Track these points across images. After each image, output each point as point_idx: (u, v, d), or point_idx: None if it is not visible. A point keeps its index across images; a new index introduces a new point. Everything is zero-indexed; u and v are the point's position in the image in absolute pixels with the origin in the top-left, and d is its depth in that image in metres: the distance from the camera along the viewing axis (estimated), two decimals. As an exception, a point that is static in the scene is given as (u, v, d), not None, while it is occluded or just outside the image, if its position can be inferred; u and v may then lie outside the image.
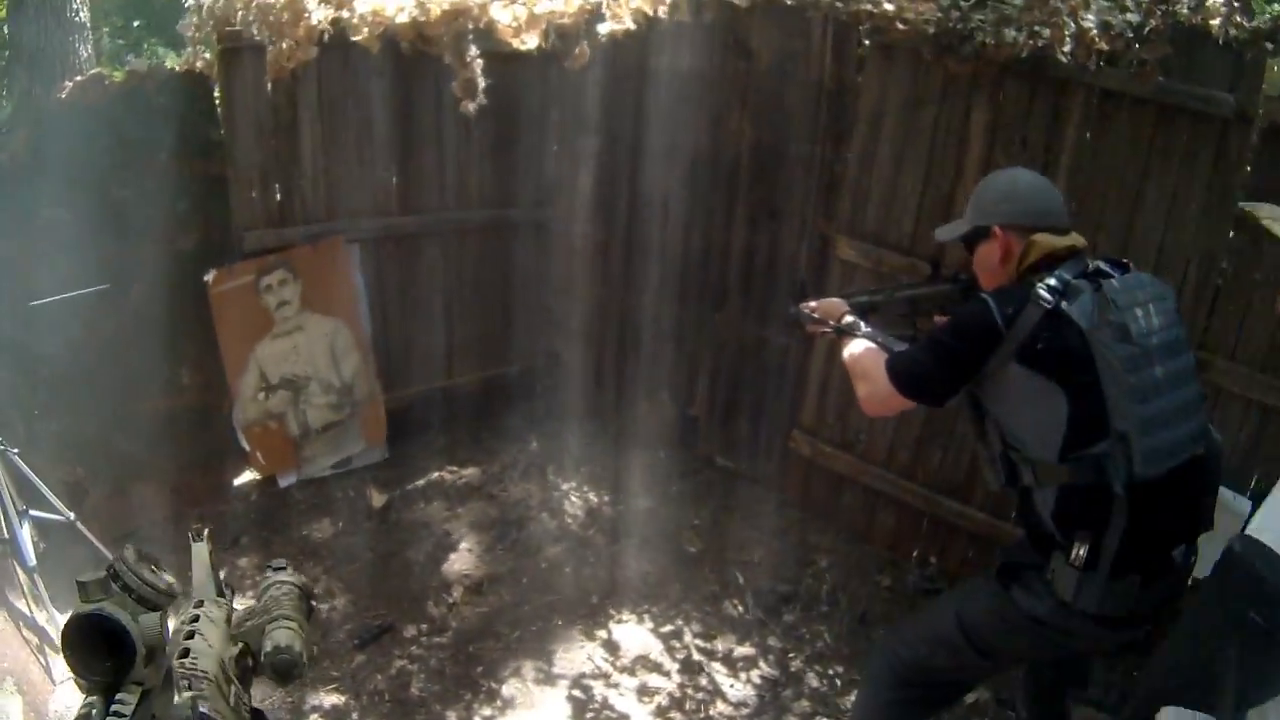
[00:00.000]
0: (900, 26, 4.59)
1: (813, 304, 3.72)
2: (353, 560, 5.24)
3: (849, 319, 3.59)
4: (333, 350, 5.64)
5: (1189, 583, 3.25)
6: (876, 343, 3.43)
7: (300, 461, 5.66)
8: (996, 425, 3.14)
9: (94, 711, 1.36)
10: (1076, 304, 2.88)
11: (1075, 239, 3.14)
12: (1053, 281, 2.93)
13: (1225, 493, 4.21)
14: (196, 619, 1.81)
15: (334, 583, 5.07)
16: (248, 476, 5.60)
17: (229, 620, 1.91)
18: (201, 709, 1.53)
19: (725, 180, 5.78)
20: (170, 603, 1.48)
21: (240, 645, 1.86)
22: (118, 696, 1.36)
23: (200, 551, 2.03)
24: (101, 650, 1.37)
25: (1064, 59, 4.29)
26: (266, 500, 5.57)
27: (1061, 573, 2.97)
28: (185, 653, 1.67)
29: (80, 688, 1.41)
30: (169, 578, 1.51)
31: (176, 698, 1.48)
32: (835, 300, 3.70)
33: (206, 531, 2.10)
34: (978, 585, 3.37)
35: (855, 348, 3.47)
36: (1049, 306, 2.89)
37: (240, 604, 2.09)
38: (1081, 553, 2.91)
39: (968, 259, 3.34)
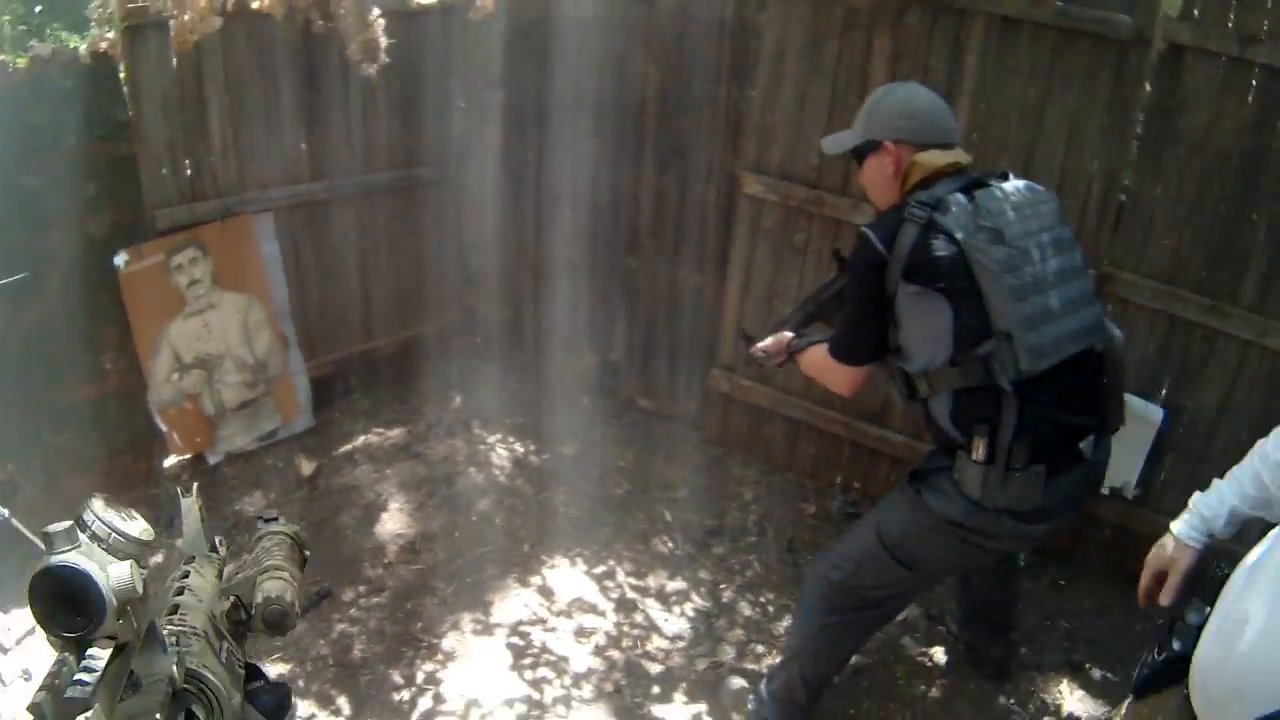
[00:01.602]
0: None
1: (762, 345, 3.82)
2: (286, 529, 5.28)
3: (795, 340, 3.72)
4: (245, 327, 5.64)
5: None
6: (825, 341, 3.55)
7: (217, 440, 5.66)
8: (895, 344, 3.27)
9: (64, 669, 1.28)
10: (950, 215, 3.00)
11: (959, 155, 3.26)
12: (923, 197, 3.06)
13: (1136, 401, 4.39)
14: (186, 575, 1.79)
15: (269, 553, 5.11)
16: (175, 457, 5.61)
17: (220, 575, 1.89)
18: (189, 665, 1.50)
19: (632, 125, 5.83)
20: (143, 551, 1.40)
21: (231, 599, 1.85)
22: (89, 652, 1.27)
23: (190, 506, 1.97)
24: (69, 605, 1.28)
25: None
26: (197, 479, 5.54)
27: (965, 470, 3.09)
28: (174, 609, 1.66)
29: (51, 645, 1.32)
30: (142, 524, 1.42)
31: (161, 655, 1.43)
32: (779, 335, 3.80)
33: (195, 486, 2.04)
34: (893, 498, 3.51)
35: (806, 357, 3.63)
36: (922, 221, 3.01)
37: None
38: (981, 449, 3.04)
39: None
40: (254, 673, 1.86)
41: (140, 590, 1.34)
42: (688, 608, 4.90)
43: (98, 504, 1.39)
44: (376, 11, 4.99)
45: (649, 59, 5.65)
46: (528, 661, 4.56)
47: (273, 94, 5.48)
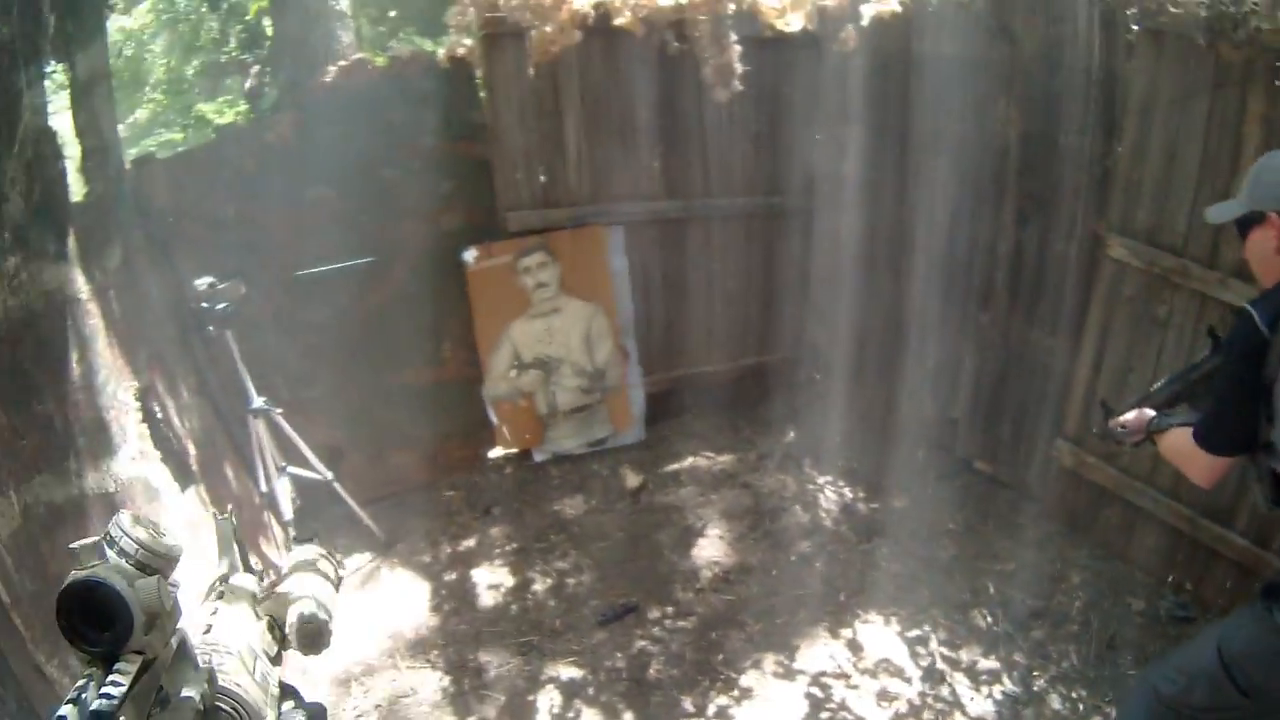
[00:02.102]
0: (1171, 10, 4.37)
1: (1122, 419, 3.58)
2: (603, 538, 5.39)
3: (1156, 419, 3.47)
4: (588, 335, 5.78)
5: None
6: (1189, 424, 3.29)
7: (545, 440, 5.84)
8: (1266, 439, 2.99)
9: (90, 683, 1.26)
10: None
11: None
12: None
13: None
14: (220, 595, 1.79)
15: (583, 559, 5.23)
16: (502, 450, 5.77)
17: (255, 596, 1.87)
18: (222, 683, 1.49)
19: (992, 171, 5.62)
20: (172, 567, 1.39)
21: (267, 619, 1.84)
22: (116, 666, 1.27)
23: (224, 528, 1.94)
24: (96, 619, 1.28)
25: None
26: (520, 473, 5.76)
27: None
28: (208, 629, 1.65)
29: (80, 661, 1.31)
30: (170, 540, 1.40)
31: (193, 671, 1.41)
32: (1141, 411, 3.55)
33: (230, 508, 2.06)
34: (1242, 614, 3.22)
35: (1169, 438, 3.36)
36: None
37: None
38: None
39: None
40: (290, 694, 1.81)
41: (167, 605, 1.33)
42: (996, 690, 4.68)
43: (125, 519, 1.36)
44: (734, 37, 4.99)
45: (1012, 103, 5.43)
46: (824, 716, 4.48)
47: (628, 110, 5.62)
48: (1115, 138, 5.06)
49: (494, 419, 5.65)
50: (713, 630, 4.87)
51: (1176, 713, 3.32)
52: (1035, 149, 5.40)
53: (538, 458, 5.85)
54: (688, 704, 4.47)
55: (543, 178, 5.48)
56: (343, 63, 5.24)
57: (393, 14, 10.78)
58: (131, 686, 1.25)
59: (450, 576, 5.10)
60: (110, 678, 1.25)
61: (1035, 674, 4.76)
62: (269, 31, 8.88)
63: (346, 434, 5.40)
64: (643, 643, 4.77)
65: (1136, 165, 4.93)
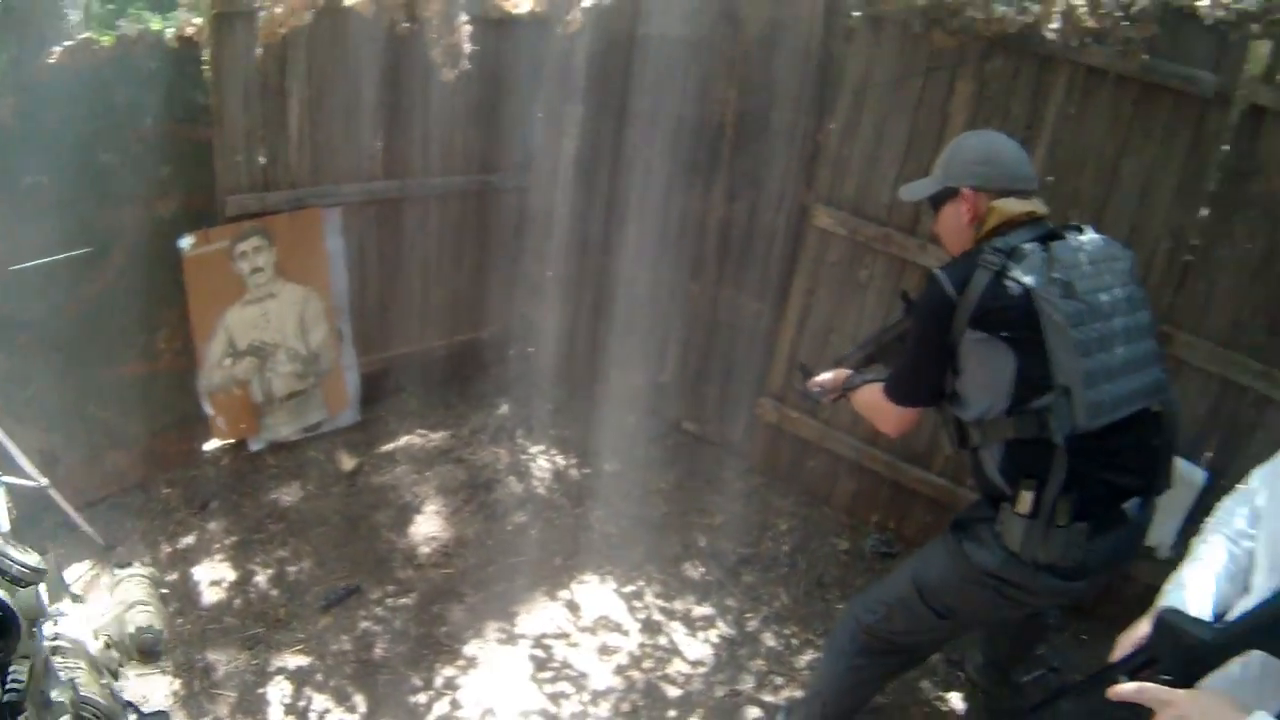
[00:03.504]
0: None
1: (819, 379, 3.83)
2: (321, 523, 5.32)
3: (852, 377, 3.71)
4: (302, 319, 5.70)
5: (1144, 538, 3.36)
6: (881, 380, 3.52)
7: (261, 428, 5.72)
8: (952, 390, 3.24)
9: None
10: (1023, 264, 2.97)
11: (1035, 205, 3.23)
12: (998, 244, 3.04)
13: (1181, 463, 4.33)
14: (56, 621, 1.87)
15: (303, 545, 5.15)
16: (218, 441, 5.67)
17: (87, 619, 1.97)
18: (81, 693, 1.60)
19: (708, 149, 5.83)
20: (41, 579, 1.54)
21: (104, 638, 1.92)
22: (11, 669, 1.41)
23: (50, 560, 2.02)
24: None
25: (1051, 36, 4.36)
26: (238, 464, 5.63)
27: (1009, 523, 3.05)
28: (55, 650, 1.74)
29: None
30: (35, 556, 1.55)
31: (55, 689, 1.55)
32: (837, 371, 3.80)
33: (49, 550, 2.18)
34: (933, 546, 3.47)
35: (860, 394, 3.62)
36: (995, 268, 2.98)
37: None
38: (1026, 503, 3.00)
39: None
40: (130, 706, 1.99)
41: (45, 612, 1.47)
42: (712, 634, 4.88)
43: (10, 550, 1.53)
44: (463, 17, 5.02)
45: (731, 83, 5.64)
46: (548, 675, 4.57)
47: (354, 91, 5.54)
48: (828, 116, 5.32)
49: (209, 410, 5.51)
50: (434, 604, 4.89)
51: (879, 638, 3.56)
52: (750, 127, 5.63)
53: (254, 447, 5.72)
54: (415, 679, 4.47)
55: (263, 160, 5.34)
56: (68, 43, 5.01)
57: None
58: (28, 684, 1.40)
59: (172, 576, 4.93)
60: (10, 682, 1.40)
61: (748, 615, 4.99)
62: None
63: (61, 436, 5.16)
64: (366, 623, 4.73)
65: (846, 142, 5.22)
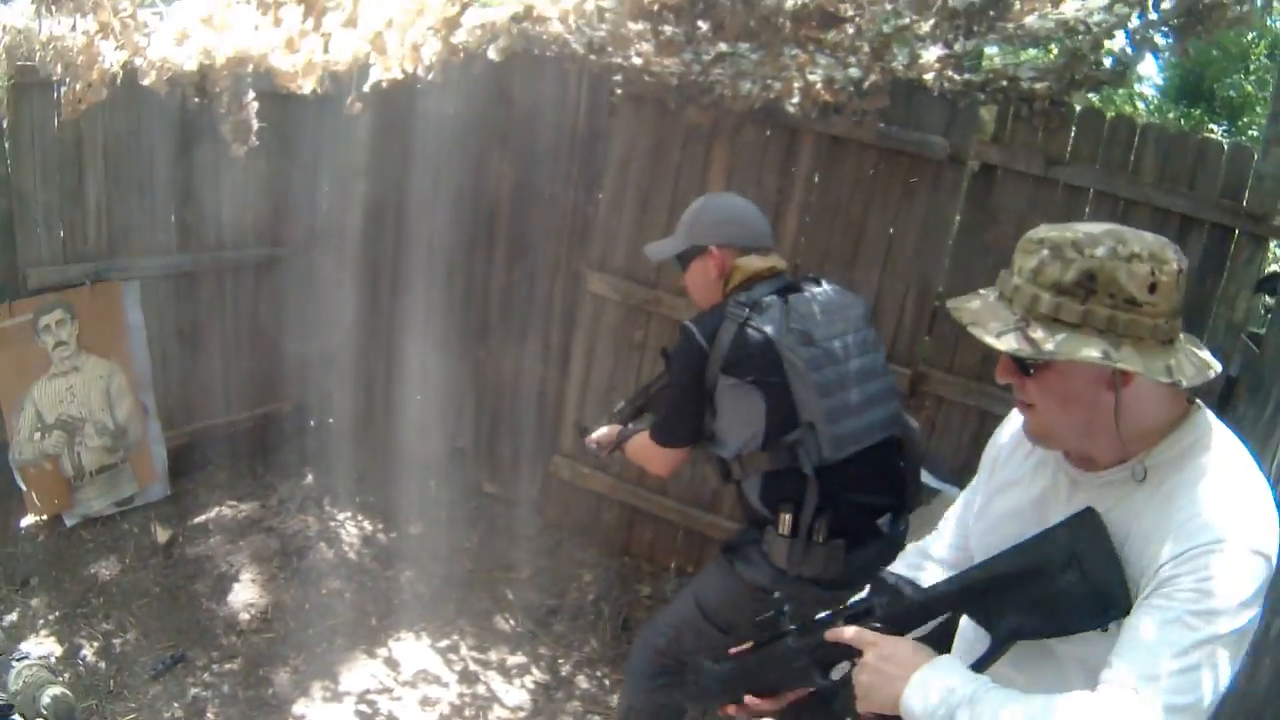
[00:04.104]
0: (647, 79, 4.97)
1: (595, 436, 4.18)
2: (142, 595, 5.41)
3: (624, 430, 4.09)
4: (108, 393, 5.77)
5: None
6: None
7: (75, 503, 5.77)
8: (711, 431, 3.64)
9: None
10: (765, 315, 3.40)
11: (775, 260, 3.67)
12: (742, 298, 3.47)
13: (945, 485, 4.84)
14: None
15: (126, 618, 5.23)
16: (33, 517, 5.71)
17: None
18: None
19: (486, 220, 6.17)
20: None
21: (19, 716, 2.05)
22: None
23: None
24: None
25: (792, 109, 4.72)
26: (54, 540, 5.66)
27: (774, 542, 3.45)
28: None
29: None
30: None
31: None
32: (611, 427, 4.16)
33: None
34: (709, 569, 3.87)
35: (633, 443, 3.97)
36: (740, 320, 3.41)
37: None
38: (787, 524, 3.41)
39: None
40: None
41: None
42: (528, 680, 5.21)
43: None
44: (251, 95, 5.20)
45: (505, 158, 6.02)
46: (374, 729, 4.81)
47: (149, 164, 5.69)
48: (596, 188, 5.76)
49: (22, 485, 5.52)
50: (259, 668, 5.05)
51: (672, 657, 3.88)
52: (524, 198, 6.00)
53: (69, 522, 5.73)
54: (248, 741, 4.67)
55: (62, 233, 5.40)
56: None
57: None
58: None
59: (-10, 655, 5.03)
60: None
61: (560, 661, 5.34)
62: None
63: None
64: (196, 689, 4.85)
65: (614, 211, 5.67)
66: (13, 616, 5.15)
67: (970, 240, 5.10)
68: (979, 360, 5.07)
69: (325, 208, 6.78)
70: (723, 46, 4.79)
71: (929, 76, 4.70)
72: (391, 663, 5.24)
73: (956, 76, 4.72)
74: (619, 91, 5.55)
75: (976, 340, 1.96)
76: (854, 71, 4.67)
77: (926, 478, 4.47)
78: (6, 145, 5.15)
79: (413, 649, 5.36)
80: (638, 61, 4.95)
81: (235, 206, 6.22)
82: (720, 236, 3.65)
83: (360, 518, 6.41)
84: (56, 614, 5.20)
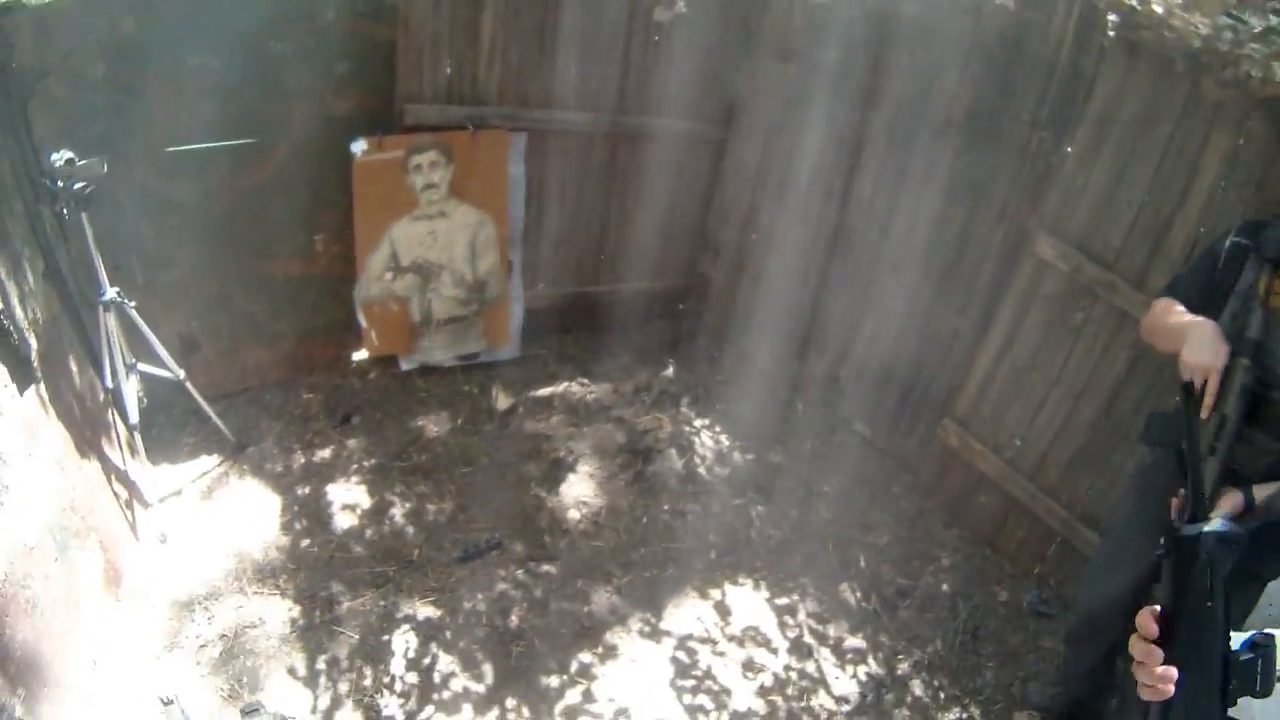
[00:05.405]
0: (1166, 34, 4.14)
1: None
2: (468, 463, 5.15)
3: None
4: (473, 244, 5.48)
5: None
6: None
7: (415, 349, 5.57)
8: None
9: None
10: None
11: None
12: None
13: None
14: None
15: (446, 485, 4.98)
16: (367, 354, 5.47)
17: None
18: None
19: (927, 145, 5.35)
20: None
21: None
22: None
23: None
24: None
25: None
26: (385, 381, 5.48)
27: None
28: None
29: None
30: None
31: None
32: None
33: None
34: None
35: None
36: None
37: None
38: None
39: None
40: None
41: None
42: (860, 670, 4.60)
43: None
44: None
45: (962, 79, 5.17)
46: (689, 684, 4.34)
47: (554, 9, 5.26)
48: (1067, 136, 4.81)
49: (363, 321, 5.30)
50: (578, 578, 4.68)
51: None
52: (976, 128, 5.16)
53: (405, 366, 5.53)
54: (550, 660, 4.26)
55: (449, 70, 5.08)
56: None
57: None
58: None
59: (303, 491, 4.77)
60: None
61: (900, 657, 4.71)
62: None
63: (202, 324, 4.97)
64: (505, 585, 4.54)
65: (1082, 169, 4.69)
66: (326, 453, 4.92)
67: None
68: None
69: (744, 88, 6.11)
70: (1273, 19, 3.95)
71: None
72: (723, 609, 4.75)
73: None
74: (1113, 33, 4.54)
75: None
76: None
77: None
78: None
79: (748, 599, 4.84)
80: (1158, 9, 4.14)
81: (645, 73, 5.74)
82: None
83: (718, 429, 5.90)
84: (372, 461, 4.96)
